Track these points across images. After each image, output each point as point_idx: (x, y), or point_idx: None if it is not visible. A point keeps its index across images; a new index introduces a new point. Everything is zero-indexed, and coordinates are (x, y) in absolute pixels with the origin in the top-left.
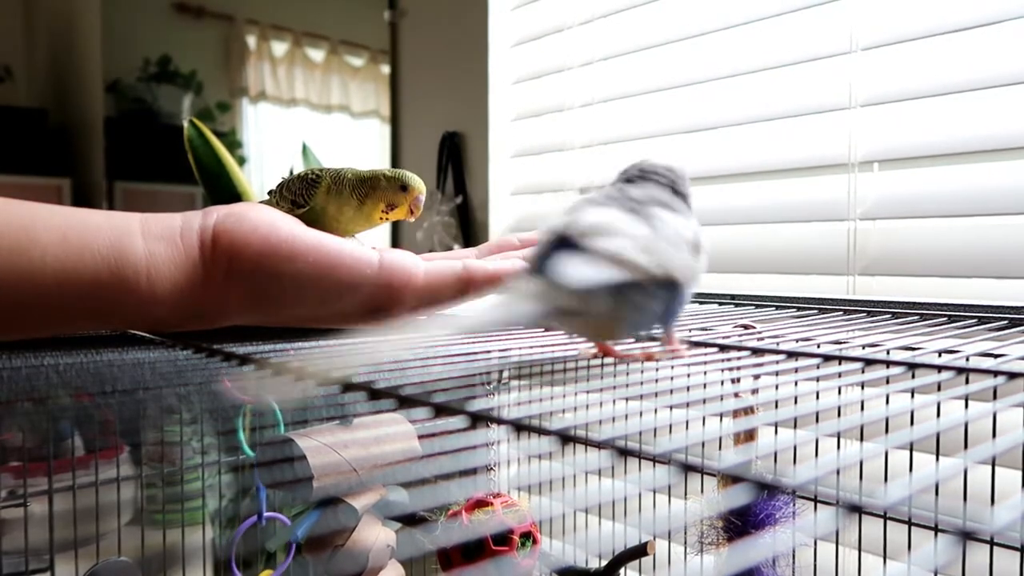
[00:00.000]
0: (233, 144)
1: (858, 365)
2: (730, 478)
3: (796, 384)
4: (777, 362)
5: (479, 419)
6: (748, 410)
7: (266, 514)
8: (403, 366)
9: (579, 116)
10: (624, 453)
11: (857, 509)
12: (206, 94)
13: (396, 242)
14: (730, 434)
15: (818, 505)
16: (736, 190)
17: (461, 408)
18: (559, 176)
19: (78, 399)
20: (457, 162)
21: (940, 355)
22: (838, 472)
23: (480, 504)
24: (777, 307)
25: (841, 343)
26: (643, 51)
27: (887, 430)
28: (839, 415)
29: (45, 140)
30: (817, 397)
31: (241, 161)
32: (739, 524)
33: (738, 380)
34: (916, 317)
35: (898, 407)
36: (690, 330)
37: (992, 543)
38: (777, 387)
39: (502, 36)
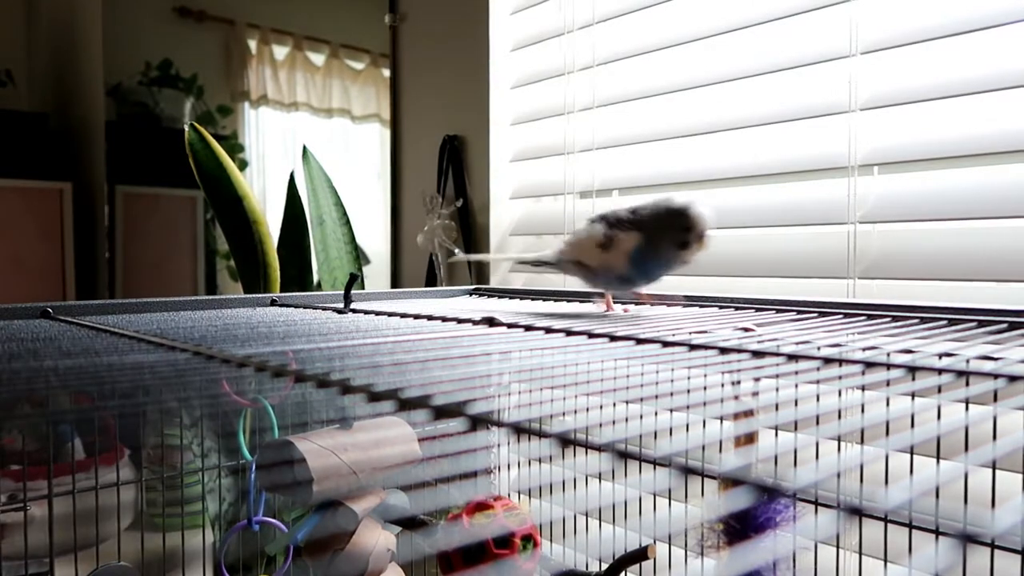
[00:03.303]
0: (234, 148)
1: (858, 368)
2: (730, 481)
3: (796, 387)
4: (777, 365)
5: (479, 422)
6: (748, 413)
7: (259, 519)
8: (403, 368)
9: (579, 120)
10: (624, 456)
11: (858, 512)
12: (207, 98)
13: (397, 244)
14: (730, 437)
15: (819, 508)
16: (736, 193)
17: (461, 411)
18: (559, 179)
19: (78, 401)
20: (458, 166)
21: (940, 358)
22: (839, 475)
23: (481, 507)
24: (777, 310)
25: (841, 346)
26: (643, 55)
27: (887, 433)
28: (839, 418)
29: (46, 144)
30: (817, 400)
31: (242, 165)
32: (740, 527)
33: (738, 383)
34: (916, 320)
35: (898, 410)
36: (690, 333)
37: (993, 546)
38: (777, 390)
39: (502, 40)
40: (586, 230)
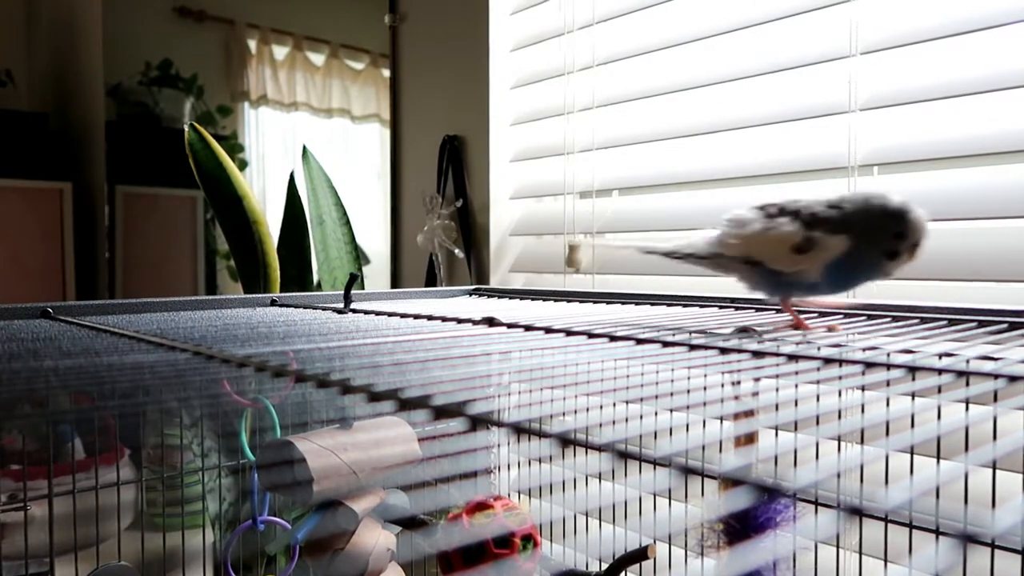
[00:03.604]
0: (234, 148)
1: (858, 368)
2: (730, 481)
3: (796, 387)
4: (777, 365)
5: (479, 422)
6: (748, 413)
7: (264, 518)
8: (403, 368)
9: (579, 120)
10: (624, 456)
11: (858, 512)
12: (207, 98)
13: (397, 244)
14: (730, 437)
15: (819, 508)
16: (736, 193)
17: (461, 411)
18: (559, 179)
19: (78, 401)
20: (457, 166)
21: (940, 358)
22: (839, 475)
23: (481, 507)
24: (777, 310)
25: (841, 346)
26: (643, 55)
27: (887, 433)
28: (839, 418)
29: (46, 144)
30: (817, 400)
31: (242, 165)
32: (740, 528)
33: (738, 383)
34: (916, 320)
35: (898, 410)
36: (690, 333)
37: (993, 546)
38: (777, 390)
39: (502, 40)
40: (762, 222)
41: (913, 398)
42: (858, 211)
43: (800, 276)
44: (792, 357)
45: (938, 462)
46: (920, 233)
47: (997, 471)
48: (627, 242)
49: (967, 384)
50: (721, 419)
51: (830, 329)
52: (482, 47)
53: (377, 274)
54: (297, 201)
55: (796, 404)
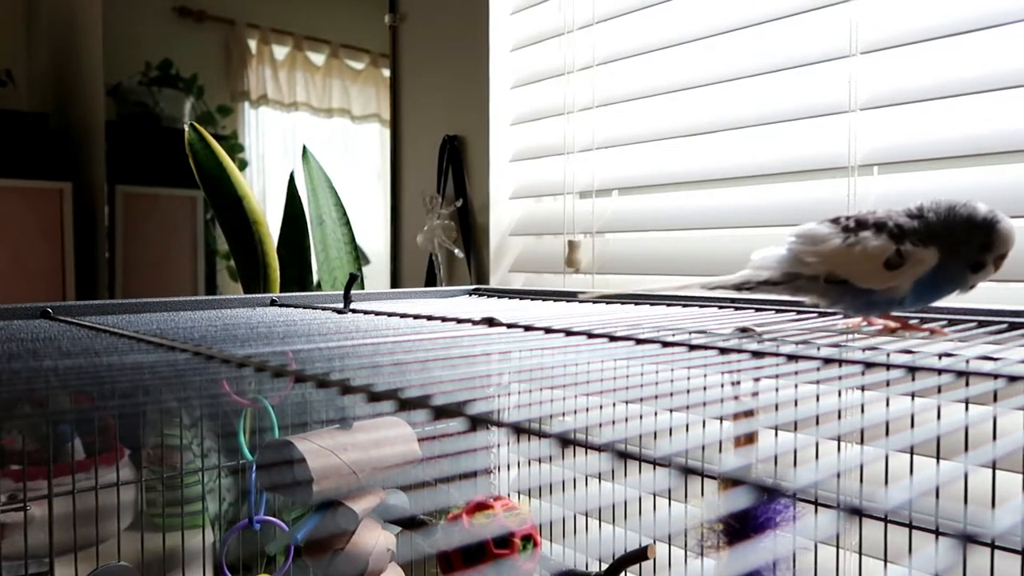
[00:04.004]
0: (234, 148)
1: (858, 368)
2: (730, 481)
3: (796, 387)
4: (777, 365)
5: (479, 422)
6: (748, 413)
7: (261, 517)
8: (403, 368)
9: (579, 120)
10: (624, 456)
11: (858, 512)
12: (207, 98)
13: (397, 244)
14: (730, 437)
15: (819, 508)
16: (736, 193)
17: (461, 411)
18: (559, 179)
19: (78, 401)
20: (457, 165)
21: (940, 358)
22: (838, 475)
23: (481, 507)
24: (777, 310)
25: (841, 346)
26: (643, 55)
27: (887, 433)
28: (839, 418)
29: (46, 144)
30: (817, 400)
31: (242, 165)
32: (739, 528)
33: (738, 383)
34: (916, 320)
35: (898, 410)
36: (690, 333)
37: (993, 546)
38: (777, 390)
39: (502, 40)
40: (841, 237)
41: (913, 398)
42: (943, 221)
43: (890, 293)
44: (792, 357)
45: (938, 462)
46: (1008, 244)
47: (997, 471)
48: (684, 281)
49: (967, 384)
50: (721, 419)
51: (933, 332)
52: (482, 47)
53: (377, 274)
54: (297, 201)
55: (796, 404)
